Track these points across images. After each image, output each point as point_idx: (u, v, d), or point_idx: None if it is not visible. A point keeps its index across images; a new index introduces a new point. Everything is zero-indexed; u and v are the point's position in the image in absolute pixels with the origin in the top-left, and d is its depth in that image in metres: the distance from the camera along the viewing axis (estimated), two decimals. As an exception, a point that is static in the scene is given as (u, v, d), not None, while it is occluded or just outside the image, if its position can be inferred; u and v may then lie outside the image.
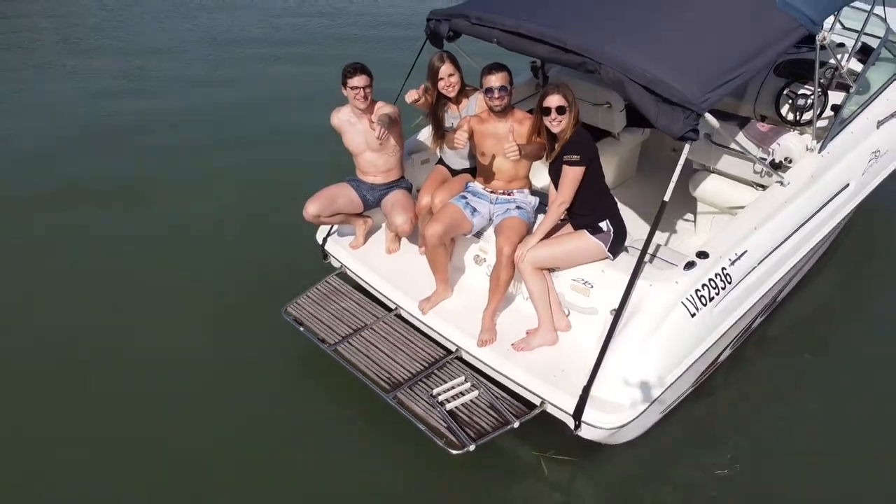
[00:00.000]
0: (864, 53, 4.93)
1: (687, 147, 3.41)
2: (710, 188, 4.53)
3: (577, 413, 3.39)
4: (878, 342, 4.63)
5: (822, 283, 5.16)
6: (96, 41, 10.99)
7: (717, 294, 3.58)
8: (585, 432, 3.45)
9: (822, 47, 3.98)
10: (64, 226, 6.11)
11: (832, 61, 4.69)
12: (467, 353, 3.86)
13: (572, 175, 3.58)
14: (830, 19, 5.05)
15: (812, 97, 4.46)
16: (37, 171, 7.03)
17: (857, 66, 4.89)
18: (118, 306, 5.05)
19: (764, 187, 4.24)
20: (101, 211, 6.32)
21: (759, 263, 3.79)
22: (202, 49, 10.50)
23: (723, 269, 3.61)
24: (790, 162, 4.21)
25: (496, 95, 3.81)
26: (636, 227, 4.55)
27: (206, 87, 9.08)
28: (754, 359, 4.49)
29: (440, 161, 4.49)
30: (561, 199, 3.65)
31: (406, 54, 7.30)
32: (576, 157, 3.55)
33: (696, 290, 3.51)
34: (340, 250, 4.61)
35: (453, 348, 3.96)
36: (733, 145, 4.22)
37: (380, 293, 4.34)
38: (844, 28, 5.40)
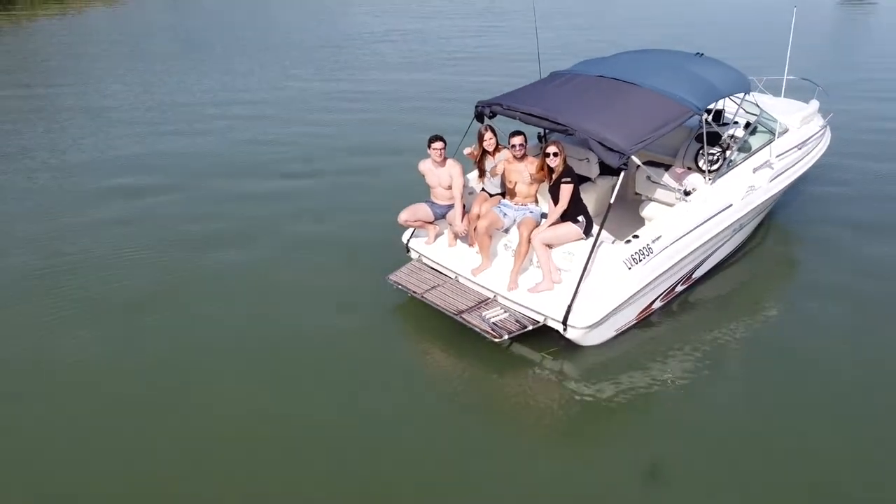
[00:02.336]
0: (748, 127, 8.06)
1: (623, 173, 6.47)
2: (649, 209, 7.56)
3: (564, 321, 6.29)
4: (765, 309, 7.52)
5: (734, 271, 8.10)
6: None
7: (643, 258, 6.54)
8: (569, 333, 6.34)
9: (708, 123, 7.13)
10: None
11: (729, 132, 7.83)
12: (501, 295, 6.79)
13: (567, 190, 6.63)
14: (734, 107, 8.22)
15: (716, 154, 7.56)
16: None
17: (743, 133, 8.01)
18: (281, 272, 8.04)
19: (679, 206, 7.27)
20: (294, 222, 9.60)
21: (670, 244, 6.76)
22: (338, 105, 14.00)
23: (647, 245, 6.59)
24: (694, 191, 7.25)
25: (517, 148, 6.93)
26: (608, 231, 7.55)
27: (355, 155, 12.48)
28: (678, 311, 7.38)
29: (483, 189, 7.58)
30: (561, 206, 6.67)
31: (459, 120, 10.57)
32: (568, 179, 6.61)
33: (632, 255, 6.48)
34: (419, 245, 7.62)
35: (492, 295, 6.90)
36: (663, 182, 7.31)
37: (445, 269, 7.31)
38: (746, 112, 8.54)
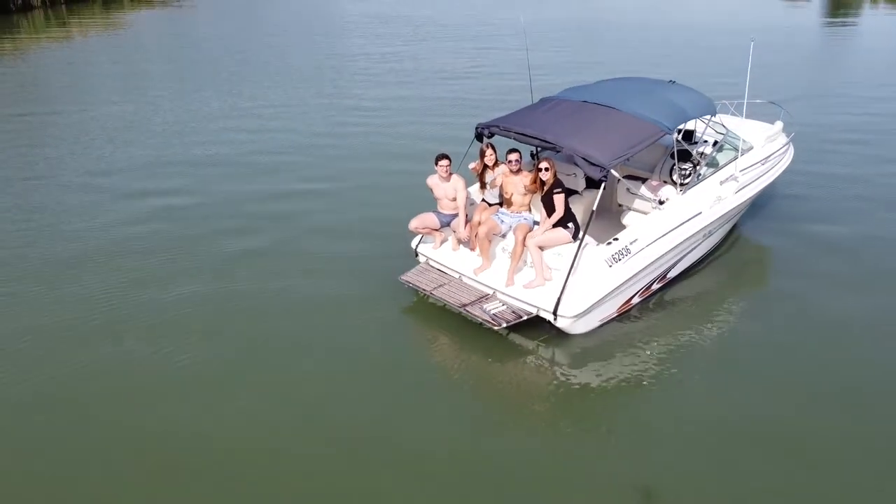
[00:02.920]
0: (716, 145, 9.23)
1: (604, 185, 7.60)
2: (628, 217, 8.68)
3: (554, 312, 7.38)
4: (733, 308, 8.62)
5: (706, 272, 9.20)
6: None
7: (622, 258, 7.65)
8: (559, 322, 7.42)
9: (679, 141, 8.29)
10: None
11: (699, 150, 8.99)
12: (500, 291, 7.86)
13: (560, 199, 7.75)
14: (702, 127, 9.39)
15: (687, 169, 8.70)
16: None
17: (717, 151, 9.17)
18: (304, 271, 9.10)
19: (654, 215, 8.40)
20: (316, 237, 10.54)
21: (646, 246, 7.87)
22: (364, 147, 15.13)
23: (625, 246, 7.70)
24: (667, 200, 8.38)
25: (513, 164, 8.06)
26: (592, 236, 8.66)
27: (365, 159, 13.73)
28: (654, 306, 8.47)
29: (483, 200, 8.69)
30: (557, 213, 7.78)
31: (457, 132, 11.71)
32: (559, 189, 7.73)
33: (612, 255, 7.59)
34: (426, 250, 8.70)
35: (491, 291, 7.97)
36: (641, 193, 8.44)
37: (450, 269, 8.39)
38: (715, 132, 9.71)
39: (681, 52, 25.65)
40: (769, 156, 9.95)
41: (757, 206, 10.87)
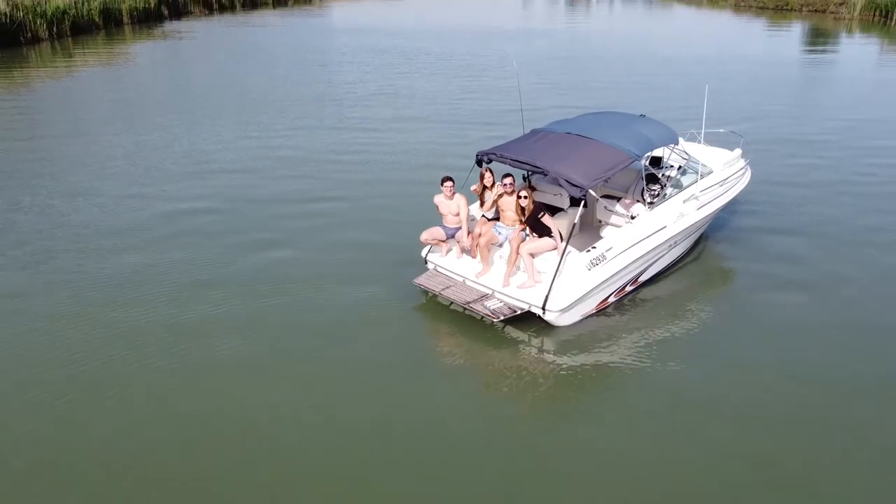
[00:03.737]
0: (680, 169, 11.00)
1: (583, 204, 9.34)
2: (605, 230, 10.40)
3: (543, 307, 9.04)
4: (696, 306, 10.31)
5: (674, 277, 10.91)
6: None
7: (599, 263, 9.34)
8: (547, 315, 9.08)
9: (647, 167, 10.06)
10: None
11: (666, 173, 10.76)
12: (497, 291, 9.53)
13: (548, 219, 9.44)
14: (668, 153, 11.17)
15: (656, 189, 10.45)
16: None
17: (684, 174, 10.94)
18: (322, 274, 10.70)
19: (627, 227, 10.14)
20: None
21: (619, 253, 9.58)
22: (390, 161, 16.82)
23: (602, 253, 9.40)
24: (637, 216, 10.10)
25: (507, 186, 9.78)
26: (574, 245, 10.35)
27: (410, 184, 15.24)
28: (628, 305, 10.15)
29: (483, 215, 10.39)
30: (555, 233, 9.44)
31: (456, 161, 13.45)
32: (542, 213, 9.43)
33: (591, 260, 9.28)
34: (434, 258, 10.37)
35: (490, 291, 9.63)
36: (616, 210, 10.19)
37: (455, 273, 10.05)
38: (680, 158, 11.48)
39: (661, 83, 27.70)
40: (727, 178, 11.73)
41: (720, 221, 12.65)
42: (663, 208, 10.38)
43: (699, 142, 13.05)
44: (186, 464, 7.22)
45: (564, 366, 8.80)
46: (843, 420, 7.80)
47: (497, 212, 10.25)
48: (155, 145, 18.87)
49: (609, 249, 9.51)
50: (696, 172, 11.10)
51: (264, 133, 20.18)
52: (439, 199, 10.30)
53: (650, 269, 10.48)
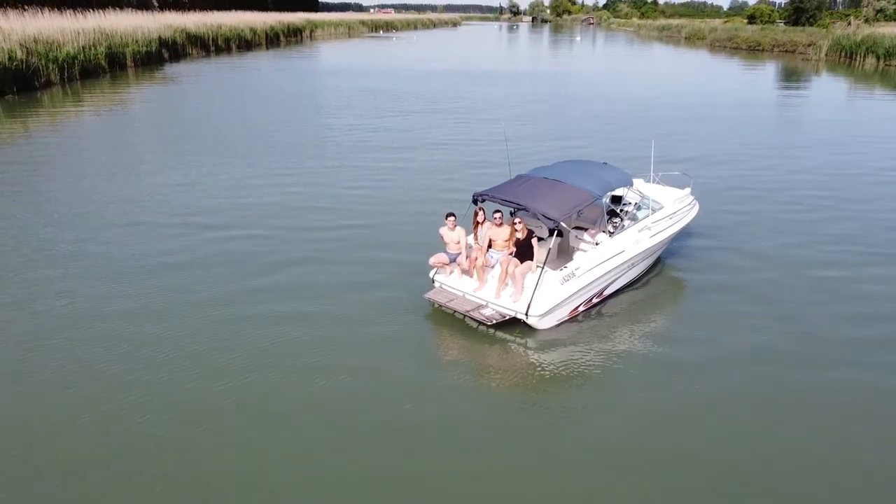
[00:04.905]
0: (636, 206, 13.92)
1: (556, 234, 12.21)
2: (576, 255, 13.25)
3: (526, 313, 11.82)
4: (653, 315, 13.12)
5: (633, 292, 13.73)
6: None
7: (570, 279, 12.17)
8: (529, 320, 11.85)
9: (608, 204, 12.99)
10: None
11: (625, 209, 13.67)
12: (490, 302, 12.29)
13: (535, 243, 12.29)
14: (626, 192, 14.09)
15: (617, 222, 13.34)
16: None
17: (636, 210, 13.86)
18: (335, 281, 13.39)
19: (593, 252, 13.01)
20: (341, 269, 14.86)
21: (587, 272, 12.41)
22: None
23: (572, 272, 12.23)
24: (601, 243, 12.98)
25: (497, 220, 12.64)
26: (551, 266, 13.17)
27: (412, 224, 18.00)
28: (595, 314, 12.92)
29: (477, 243, 13.23)
30: (537, 255, 12.28)
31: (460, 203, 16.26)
32: (535, 236, 12.29)
33: (563, 277, 12.11)
34: (440, 278, 13.13)
35: (485, 302, 12.39)
36: (584, 238, 13.08)
37: (457, 290, 12.81)
38: (638, 195, 14.40)
39: (628, 126, 30.95)
40: (676, 212, 14.66)
41: (674, 245, 15.56)
42: (622, 237, 13.25)
43: (657, 182, 16.03)
44: (210, 464, 8.64)
45: (544, 361, 11.52)
46: (784, 401, 10.56)
47: (489, 240, 13.09)
48: (173, 184, 21.61)
49: (578, 268, 12.34)
50: (649, 208, 14.02)
51: (273, 172, 22.99)
52: (443, 231, 13.11)
53: (613, 284, 13.31)
